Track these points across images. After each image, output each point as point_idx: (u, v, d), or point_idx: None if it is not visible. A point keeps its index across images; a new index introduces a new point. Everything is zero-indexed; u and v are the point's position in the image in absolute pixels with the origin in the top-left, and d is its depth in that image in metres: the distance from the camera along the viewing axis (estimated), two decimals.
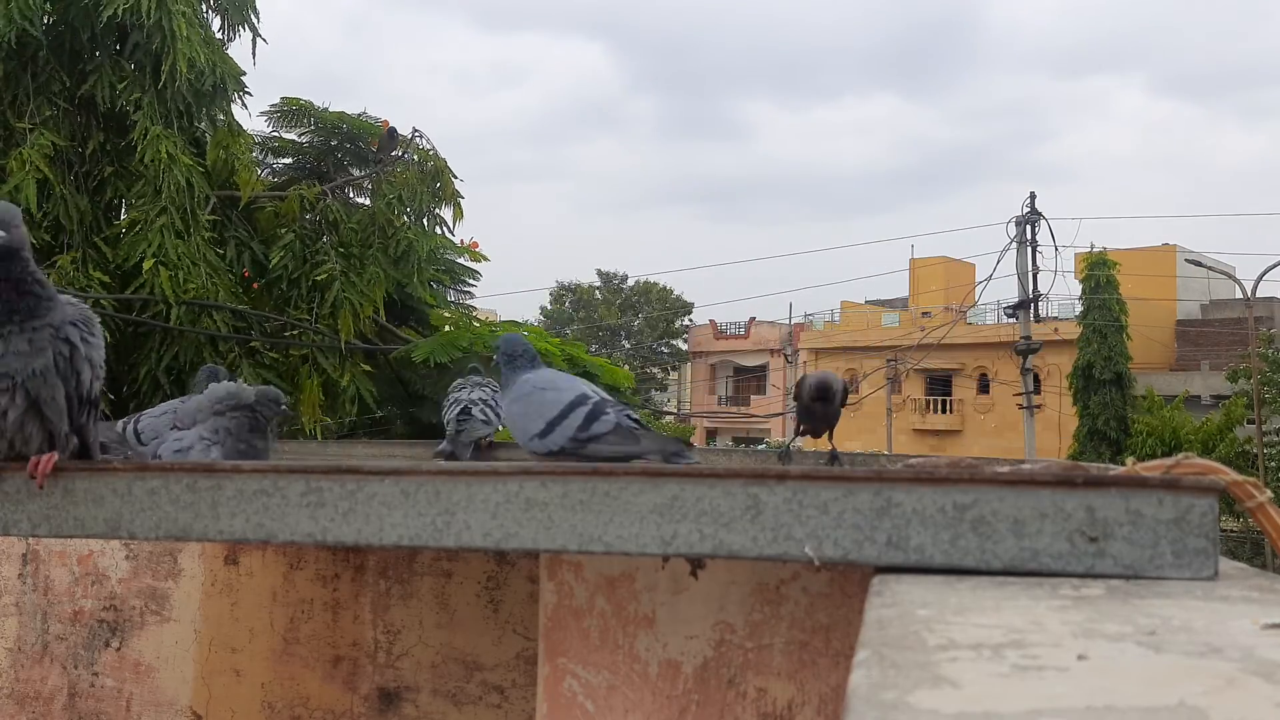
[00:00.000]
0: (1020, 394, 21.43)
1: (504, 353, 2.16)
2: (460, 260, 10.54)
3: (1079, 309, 28.04)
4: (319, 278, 8.11)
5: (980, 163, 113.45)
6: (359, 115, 8.91)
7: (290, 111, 8.84)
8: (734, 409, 41.47)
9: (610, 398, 2.07)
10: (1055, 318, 32.50)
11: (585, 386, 2.02)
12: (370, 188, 8.79)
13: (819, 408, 2.80)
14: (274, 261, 8.05)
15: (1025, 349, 20.36)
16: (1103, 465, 1.86)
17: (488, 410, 2.90)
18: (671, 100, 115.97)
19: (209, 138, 8.15)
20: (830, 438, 2.97)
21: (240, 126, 8.32)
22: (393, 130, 8.73)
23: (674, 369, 50.15)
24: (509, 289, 59.23)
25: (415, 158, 8.64)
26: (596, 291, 51.02)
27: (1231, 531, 19.30)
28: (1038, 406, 21.68)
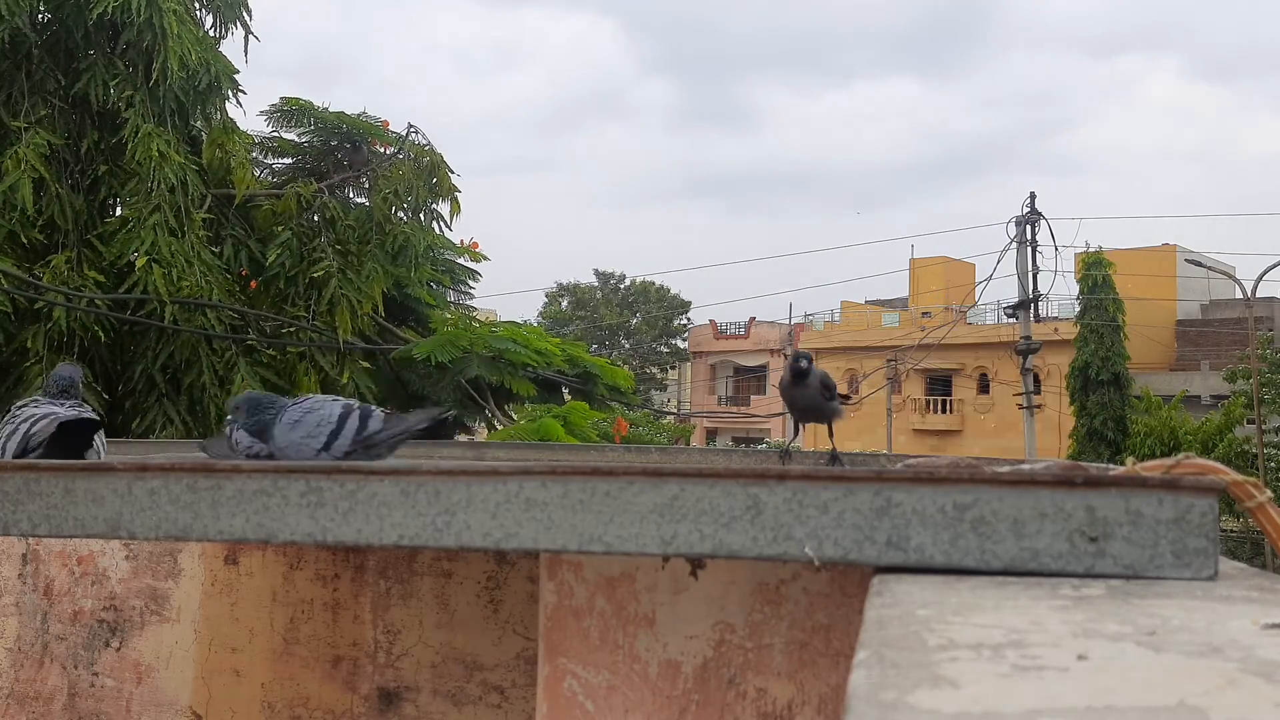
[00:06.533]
0: (1020, 394, 21.43)
1: (248, 408, 2.30)
2: (460, 261, 10.54)
3: (1079, 309, 28.03)
4: (316, 275, 8.11)
5: (994, 154, 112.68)
6: (359, 115, 8.91)
7: (290, 111, 8.84)
8: (734, 409, 41.45)
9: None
10: (1055, 318, 32.50)
11: (342, 400, 2.29)
12: (367, 185, 8.79)
13: (798, 392, 2.75)
14: (271, 259, 8.04)
15: (1025, 349, 20.36)
16: (1102, 465, 1.86)
17: None
18: (682, 84, 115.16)
19: (205, 136, 8.15)
20: (830, 436, 2.96)
21: (235, 124, 8.32)
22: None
23: (672, 368, 50.13)
24: (510, 286, 59.06)
25: (411, 155, 8.64)
26: (596, 292, 51.01)
27: (1231, 531, 19.31)
28: (1038, 406, 21.68)
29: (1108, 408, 25.88)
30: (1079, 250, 27.89)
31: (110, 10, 7.11)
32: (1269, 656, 0.74)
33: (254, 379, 7.79)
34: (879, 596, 0.99)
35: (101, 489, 1.47)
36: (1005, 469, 1.17)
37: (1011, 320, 22.23)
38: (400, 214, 8.66)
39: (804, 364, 2.75)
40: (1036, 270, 20.89)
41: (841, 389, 3.15)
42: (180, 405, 7.47)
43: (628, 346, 49.54)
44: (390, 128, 8.91)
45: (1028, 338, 20.56)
